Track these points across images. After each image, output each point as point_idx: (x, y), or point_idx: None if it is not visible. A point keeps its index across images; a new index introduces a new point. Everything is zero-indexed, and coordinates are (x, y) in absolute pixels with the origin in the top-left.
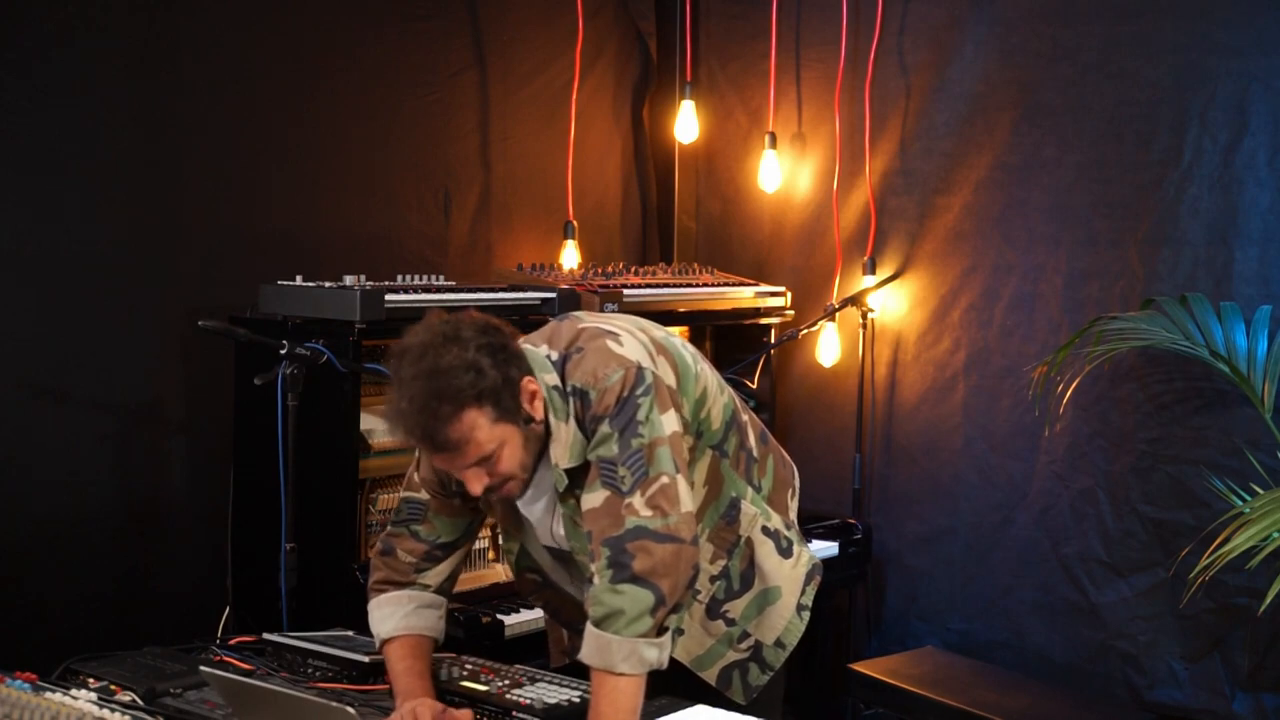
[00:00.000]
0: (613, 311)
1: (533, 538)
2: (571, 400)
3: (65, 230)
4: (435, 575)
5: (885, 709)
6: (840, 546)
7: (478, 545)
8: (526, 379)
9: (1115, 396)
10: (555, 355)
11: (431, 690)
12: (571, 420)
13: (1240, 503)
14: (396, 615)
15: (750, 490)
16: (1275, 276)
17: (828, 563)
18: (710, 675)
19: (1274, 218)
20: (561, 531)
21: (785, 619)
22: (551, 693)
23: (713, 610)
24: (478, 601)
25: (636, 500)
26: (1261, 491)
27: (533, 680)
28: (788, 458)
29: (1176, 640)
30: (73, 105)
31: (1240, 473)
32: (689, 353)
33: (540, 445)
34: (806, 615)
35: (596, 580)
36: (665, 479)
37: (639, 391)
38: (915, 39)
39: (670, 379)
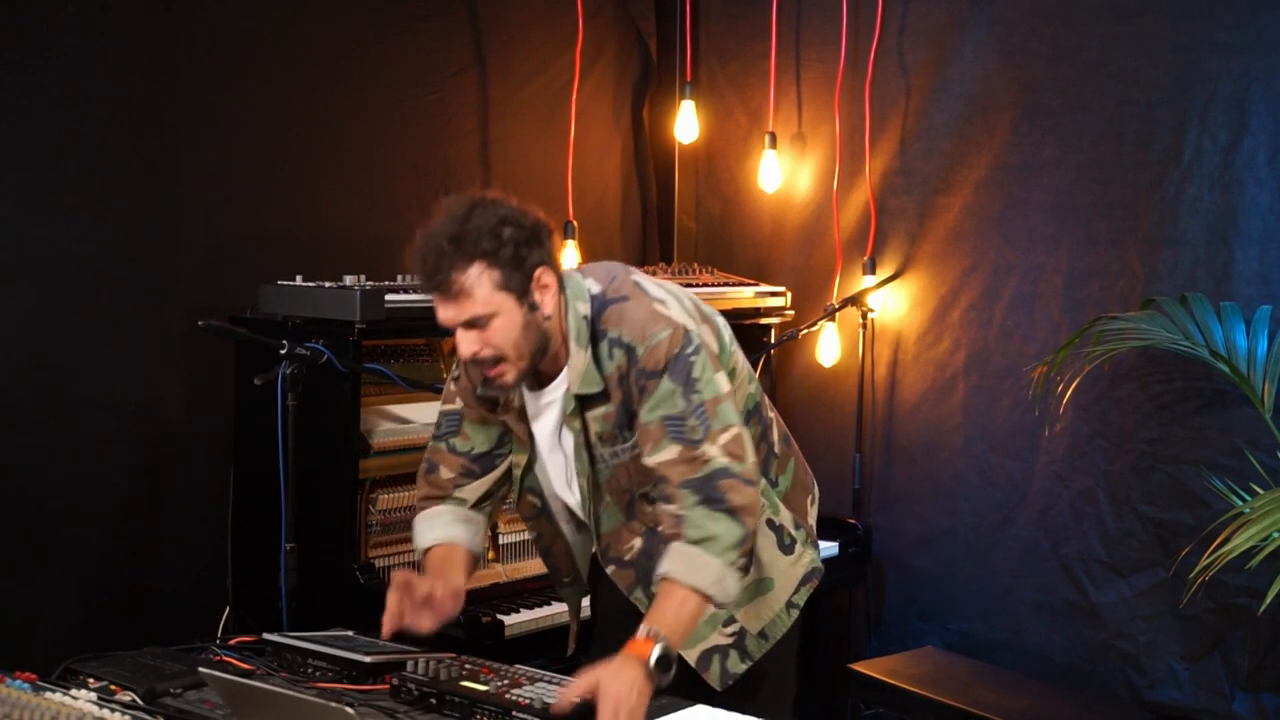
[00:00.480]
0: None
1: (539, 457)
2: (615, 351)
3: (65, 230)
4: (472, 490)
5: (885, 709)
6: (840, 546)
7: None
8: (543, 269)
9: (1115, 396)
10: (596, 290)
11: (459, 578)
12: (589, 350)
13: (1240, 503)
14: (437, 527)
15: (764, 482)
16: (1275, 276)
17: (828, 563)
18: (691, 655)
19: (1274, 218)
20: (570, 448)
21: (774, 611)
22: (551, 693)
23: None
24: (478, 601)
25: (711, 448)
26: (1261, 491)
27: (533, 680)
28: (809, 468)
29: (1176, 640)
30: (73, 105)
31: (1240, 473)
32: (728, 335)
33: (542, 341)
34: (795, 614)
35: (685, 513)
36: (735, 429)
37: (689, 351)
38: (915, 39)
39: (713, 345)
